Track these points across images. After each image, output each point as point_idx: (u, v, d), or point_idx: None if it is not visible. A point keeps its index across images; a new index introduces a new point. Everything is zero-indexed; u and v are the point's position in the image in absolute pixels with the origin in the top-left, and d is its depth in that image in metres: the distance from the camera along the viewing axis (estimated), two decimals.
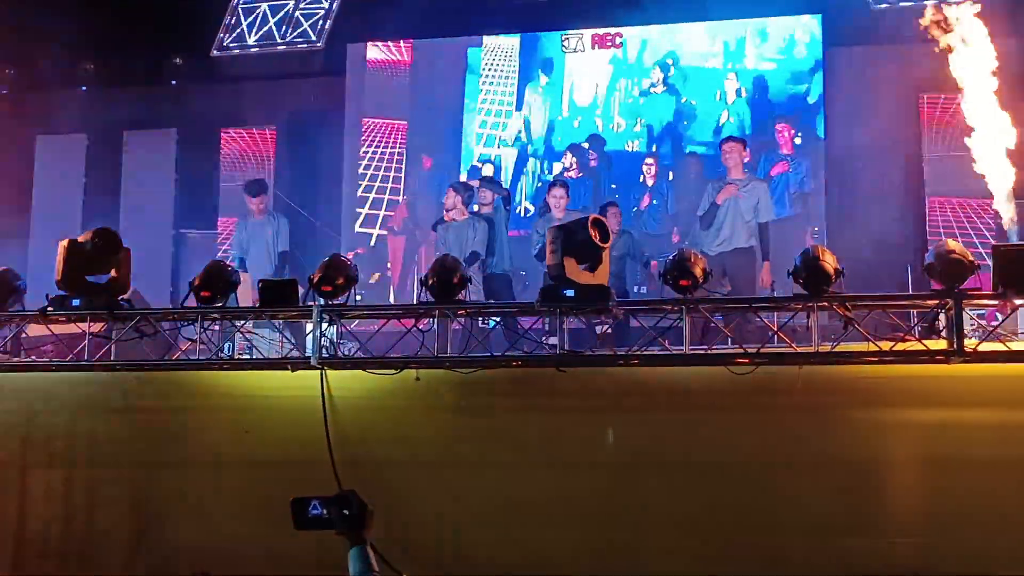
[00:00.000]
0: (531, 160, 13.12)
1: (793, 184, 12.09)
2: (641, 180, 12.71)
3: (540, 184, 13.02)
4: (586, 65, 13.16)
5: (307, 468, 7.11)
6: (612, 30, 12.98)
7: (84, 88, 14.14)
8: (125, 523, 7.52)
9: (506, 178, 13.02)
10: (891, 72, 12.00)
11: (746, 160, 10.42)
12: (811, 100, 12.40)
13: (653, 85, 12.95)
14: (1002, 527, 6.38)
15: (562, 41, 13.10)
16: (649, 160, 12.68)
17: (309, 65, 13.89)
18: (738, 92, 12.66)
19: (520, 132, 13.21)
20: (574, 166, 12.87)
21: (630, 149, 12.91)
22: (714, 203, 10.06)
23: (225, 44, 13.99)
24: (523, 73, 13.32)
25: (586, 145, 12.94)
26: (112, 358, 7.67)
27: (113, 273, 7.83)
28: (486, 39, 13.42)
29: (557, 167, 12.98)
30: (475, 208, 11.00)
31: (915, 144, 11.69)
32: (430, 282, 7.43)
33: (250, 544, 7.01)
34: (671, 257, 7.50)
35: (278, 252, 11.29)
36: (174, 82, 14.03)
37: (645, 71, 13.00)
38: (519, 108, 13.26)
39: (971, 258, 6.84)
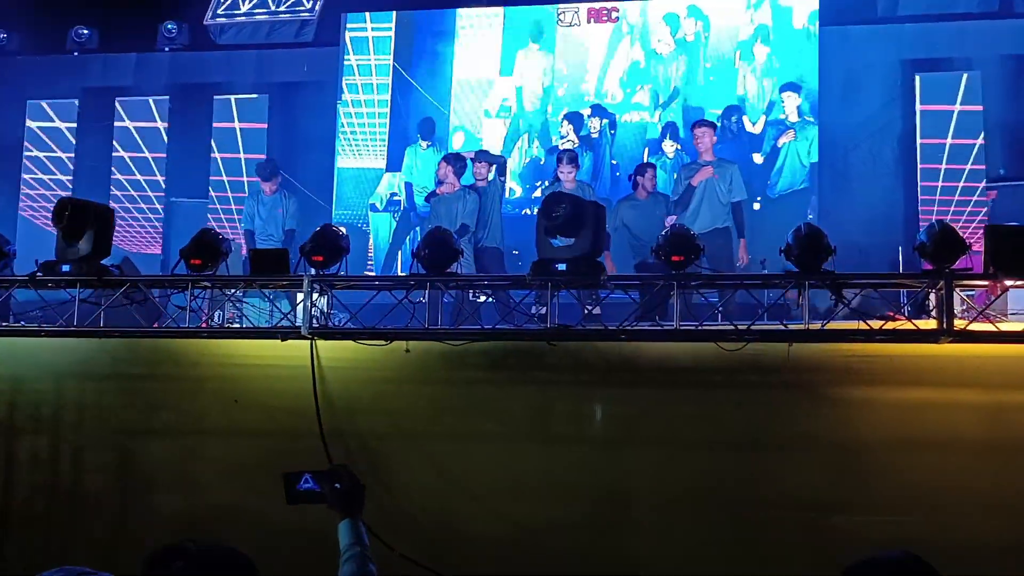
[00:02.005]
0: (523, 137, 12.81)
1: (802, 154, 11.94)
2: (644, 155, 12.34)
3: (528, 160, 12.78)
4: (582, 31, 12.81)
5: (295, 438, 7.12)
6: (608, 4, 12.81)
7: (76, 53, 14.04)
8: (111, 490, 7.53)
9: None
10: (887, 52, 11.98)
11: (714, 143, 10.42)
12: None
13: (660, 41, 12.53)
14: (988, 507, 6.42)
15: (557, 15, 12.93)
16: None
17: (303, 35, 13.80)
18: (759, 53, 12.32)
19: (510, 103, 12.96)
20: (570, 134, 12.55)
21: (633, 120, 12.59)
22: (689, 185, 10.09)
23: (219, 12, 13.89)
24: (509, 39, 13.00)
25: (587, 113, 12.62)
26: (101, 325, 7.66)
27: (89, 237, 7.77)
28: (468, 9, 13.13)
29: (555, 140, 12.63)
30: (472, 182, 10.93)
31: (910, 123, 11.68)
32: (421, 254, 7.43)
33: (237, 513, 7.01)
34: (663, 233, 7.52)
35: (285, 229, 11.29)
36: (167, 49, 13.93)
37: (647, 32, 12.58)
38: (507, 73, 12.95)
39: (963, 238, 6.85)
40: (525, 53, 12.99)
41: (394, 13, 13.40)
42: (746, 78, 12.37)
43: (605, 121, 12.56)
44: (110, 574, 2.84)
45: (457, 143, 12.86)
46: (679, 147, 12.16)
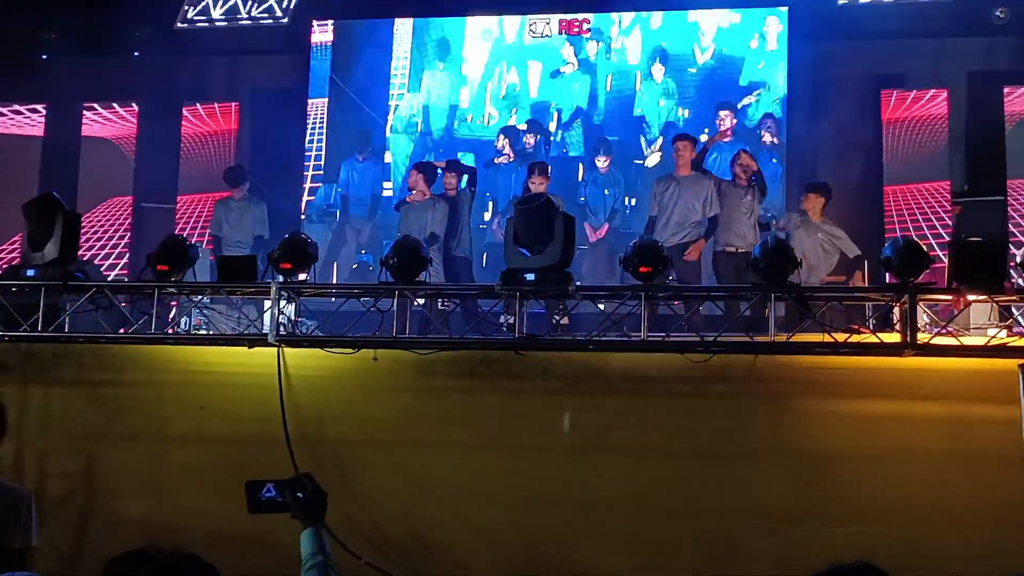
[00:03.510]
0: (431, 154, 12.63)
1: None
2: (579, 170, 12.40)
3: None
4: (481, 52, 12.85)
5: (262, 446, 7.09)
6: (579, 16, 12.82)
7: (45, 57, 13.93)
8: (75, 495, 7.47)
9: (397, 168, 12.76)
10: (853, 67, 12.10)
11: (693, 157, 10.46)
12: (742, 83, 12.36)
13: (564, 63, 12.66)
14: (950, 518, 6.47)
15: (528, 26, 12.94)
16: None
17: (274, 41, 13.76)
18: (665, 74, 12.47)
19: (416, 119, 12.95)
20: (506, 148, 12.48)
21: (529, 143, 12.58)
22: (663, 202, 10.14)
23: (189, 17, 13.83)
24: (416, 56, 13.04)
25: (523, 128, 12.62)
26: (66, 330, 7.60)
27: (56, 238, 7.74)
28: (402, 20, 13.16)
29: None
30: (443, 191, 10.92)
31: (875, 139, 11.79)
32: (390, 262, 7.43)
33: (201, 520, 6.98)
34: (632, 244, 7.54)
35: (254, 236, 11.23)
36: (136, 54, 13.83)
37: (554, 52, 12.69)
38: (414, 90, 12.98)
39: (927, 253, 6.93)
40: (431, 71, 13.02)
41: (330, 23, 13.39)
42: (644, 98, 12.49)
43: (539, 136, 12.59)
44: None
45: (389, 157, 12.93)
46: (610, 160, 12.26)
